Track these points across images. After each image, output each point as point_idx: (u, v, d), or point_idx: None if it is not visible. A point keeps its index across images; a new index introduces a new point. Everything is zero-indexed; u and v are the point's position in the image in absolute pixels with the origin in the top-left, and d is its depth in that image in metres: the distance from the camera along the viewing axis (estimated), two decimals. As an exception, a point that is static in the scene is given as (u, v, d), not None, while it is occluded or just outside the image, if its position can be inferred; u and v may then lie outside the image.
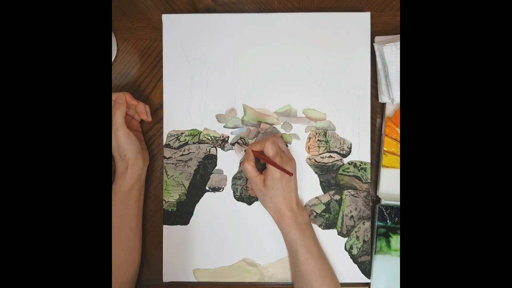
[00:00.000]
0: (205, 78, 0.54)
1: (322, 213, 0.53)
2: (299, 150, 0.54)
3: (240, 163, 0.54)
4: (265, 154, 0.48)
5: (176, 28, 0.54)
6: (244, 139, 0.54)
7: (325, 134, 0.54)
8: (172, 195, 0.54)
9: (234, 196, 0.54)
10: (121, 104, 0.48)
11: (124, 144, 0.48)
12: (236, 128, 0.54)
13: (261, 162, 0.51)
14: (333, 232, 0.53)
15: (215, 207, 0.54)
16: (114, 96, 0.49)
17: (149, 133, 0.55)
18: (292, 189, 0.49)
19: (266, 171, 0.48)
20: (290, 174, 0.47)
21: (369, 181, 0.53)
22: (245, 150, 0.53)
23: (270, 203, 0.48)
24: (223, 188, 0.54)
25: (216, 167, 0.54)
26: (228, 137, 0.54)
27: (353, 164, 0.54)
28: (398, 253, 0.51)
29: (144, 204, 0.54)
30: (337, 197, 0.54)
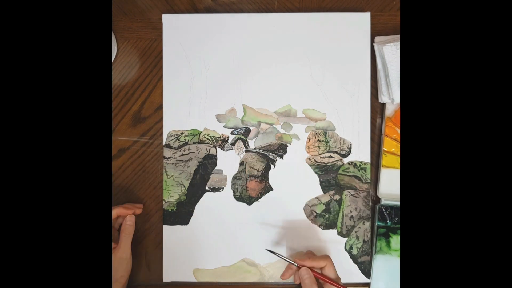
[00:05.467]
0: (205, 78, 0.54)
1: (322, 213, 0.53)
2: (299, 150, 0.54)
3: (240, 163, 0.54)
4: (323, 274, 0.46)
5: (176, 28, 0.54)
6: (244, 139, 0.54)
7: (325, 134, 0.54)
8: (172, 195, 0.54)
9: (234, 196, 0.54)
10: (131, 227, 0.49)
11: (126, 267, 0.48)
12: (236, 128, 0.54)
13: (321, 282, 0.46)
14: (333, 232, 0.53)
15: (215, 207, 0.54)
16: (120, 210, 0.49)
17: (149, 133, 0.55)
18: None
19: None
20: None
21: (369, 181, 0.53)
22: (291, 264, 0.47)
23: None
24: (223, 188, 0.54)
25: (216, 167, 0.54)
26: (228, 137, 0.54)
27: (353, 164, 0.54)
28: (398, 253, 0.51)
29: (144, 204, 0.54)
30: (337, 197, 0.54)
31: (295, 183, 0.54)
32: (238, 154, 0.54)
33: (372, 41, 0.54)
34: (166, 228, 0.54)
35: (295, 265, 0.46)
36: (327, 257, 0.46)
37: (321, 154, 0.54)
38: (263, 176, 0.54)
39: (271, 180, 0.54)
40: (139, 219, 0.54)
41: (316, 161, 0.54)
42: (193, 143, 0.54)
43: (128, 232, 0.49)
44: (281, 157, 0.54)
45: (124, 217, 0.50)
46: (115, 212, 0.49)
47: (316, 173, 0.54)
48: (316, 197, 0.54)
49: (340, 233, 0.53)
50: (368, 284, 0.53)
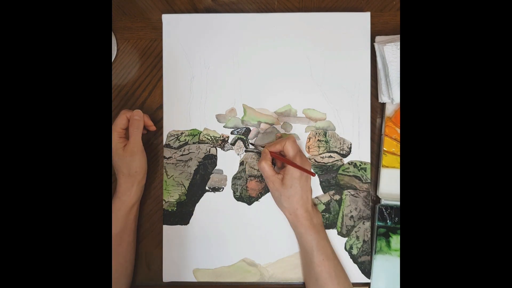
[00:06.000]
0: (205, 78, 0.54)
1: (322, 213, 0.53)
2: (299, 150, 0.54)
3: (240, 163, 0.54)
4: (284, 154, 0.48)
5: (176, 28, 0.54)
6: (244, 139, 0.54)
7: (325, 134, 0.54)
8: (172, 195, 0.54)
9: (234, 196, 0.54)
10: (139, 122, 0.49)
11: (138, 161, 0.49)
12: (236, 128, 0.54)
13: (279, 163, 0.51)
14: (333, 232, 0.53)
15: (215, 207, 0.54)
16: (129, 113, 0.49)
17: (149, 133, 0.55)
18: (309, 189, 0.49)
19: (284, 170, 0.48)
20: (312, 174, 0.47)
21: (369, 181, 0.53)
22: (255, 150, 0.53)
23: (287, 203, 0.48)
24: (223, 188, 0.54)
25: (216, 167, 0.54)
26: (228, 137, 0.54)
27: (353, 164, 0.54)
28: (398, 253, 0.51)
29: (144, 204, 0.54)
30: (337, 197, 0.54)
31: (295, 183, 0.53)
32: (238, 154, 0.54)
33: (372, 41, 0.54)
34: (166, 228, 0.54)
35: (262, 147, 0.50)
36: (288, 137, 0.48)
37: (321, 154, 0.54)
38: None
39: (271, 180, 0.54)
40: (139, 219, 0.54)
41: (316, 161, 0.54)
42: (193, 143, 0.54)
43: (136, 125, 0.49)
44: (281, 157, 0.54)
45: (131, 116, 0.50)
46: (123, 115, 0.49)
47: (316, 173, 0.54)
48: (316, 197, 0.54)
49: (340, 233, 0.53)
50: (368, 284, 0.53)
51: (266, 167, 0.48)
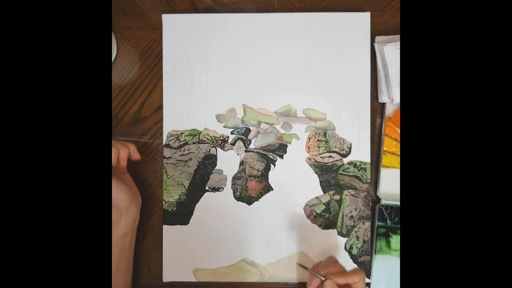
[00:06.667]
0: (205, 78, 0.54)
1: (322, 213, 0.53)
2: (299, 150, 0.54)
3: (240, 163, 0.54)
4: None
5: (176, 28, 0.54)
6: (244, 139, 0.54)
7: (325, 134, 0.54)
8: (172, 195, 0.54)
9: (234, 196, 0.54)
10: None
11: (115, 195, 0.46)
12: (236, 128, 0.54)
13: None
14: (333, 232, 0.53)
15: (215, 207, 0.54)
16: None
17: (149, 133, 0.55)
18: None
19: None
20: None
21: (369, 181, 0.53)
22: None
23: None
24: (223, 188, 0.54)
25: (216, 167, 0.54)
26: (228, 137, 0.54)
27: (353, 164, 0.54)
28: (398, 253, 0.51)
29: (144, 204, 0.54)
30: (337, 197, 0.54)
31: (295, 183, 0.54)
32: (238, 154, 0.54)
33: (372, 41, 0.54)
34: (166, 228, 0.54)
35: (322, 279, 0.43)
36: (360, 272, 0.43)
37: (321, 154, 0.54)
38: (263, 176, 0.54)
39: (271, 180, 0.54)
40: (139, 220, 0.54)
41: (316, 161, 0.54)
42: (193, 143, 0.54)
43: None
44: (281, 157, 0.54)
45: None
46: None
47: (316, 173, 0.54)
48: (316, 197, 0.54)
49: (340, 233, 0.53)
50: (368, 284, 0.53)
51: None
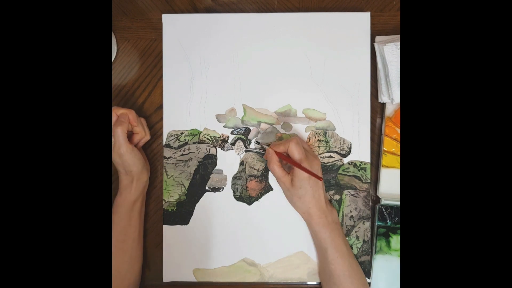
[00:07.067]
0: (205, 78, 0.54)
1: (322, 213, 0.53)
2: (299, 150, 0.54)
3: (240, 163, 0.54)
4: (290, 156, 0.47)
5: (176, 28, 0.54)
6: (244, 139, 0.54)
7: (325, 134, 0.54)
8: (172, 195, 0.54)
9: (234, 196, 0.54)
10: (123, 122, 0.47)
11: (129, 160, 0.47)
12: (236, 128, 0.54)
13: (284, 164, 0.50)
14: (333, 232, 0.53)
15: (215, 207, 0.54)
16: (119, 112, 0.48)
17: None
18: (320, 187, 0.48)
19: (292, 171, 0.47)
20: (319, 178, 0.46)
21: (369, 181, 0.53)
22: (264, 149, 0.53)
23: (299, 202, 0.48)
24: (223, 188, 0.54)
25: (216, 167, 0.54)
26: (228, 137, 0.54)
27: (353, 164, 0.54)
28: (398, 253, 0.51)
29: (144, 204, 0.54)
30: (337, 197, 0.54)
31: (295, 183, 0.53)
32: (238, 154, 0.54)
33: (372, 41, 0.54)
34: (166, 228, 0.54)
35: (267, 146, 0.49)
36: (292, 139, 0.47)
37: (321, 154, 0.54)
38: (263, 176, 0.54)
39: (271, 180, 0.54)
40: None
41: (316, 161, 0.54)
42: (193, 143, 0.54)
43: (118, 124, 0.47)
44: (281, 157, 0.54)
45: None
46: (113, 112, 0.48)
47: (316, 173, 0.54)
48: (316, 197, 0.54)
49: (340, 233, 0.53)
50: (368, 284, 0.53)
51: (275, 168, 0.47)
